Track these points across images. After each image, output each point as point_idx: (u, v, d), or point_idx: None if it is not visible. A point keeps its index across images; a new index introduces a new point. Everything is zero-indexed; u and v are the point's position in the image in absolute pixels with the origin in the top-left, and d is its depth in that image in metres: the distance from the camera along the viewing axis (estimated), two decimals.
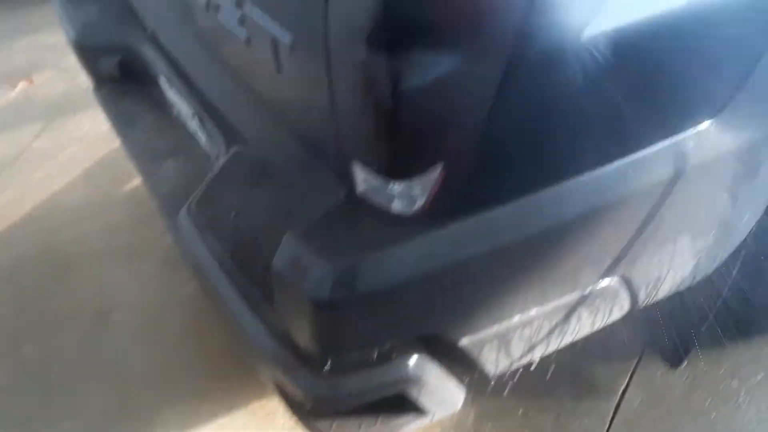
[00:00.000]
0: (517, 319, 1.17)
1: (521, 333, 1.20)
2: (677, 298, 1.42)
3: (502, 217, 1.02)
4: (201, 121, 1.47)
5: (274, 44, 1.00)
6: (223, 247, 1.21)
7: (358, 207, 1.02)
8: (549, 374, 1.54)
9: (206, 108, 1.42)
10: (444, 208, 0.98)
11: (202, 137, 1.52)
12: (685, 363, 1.70)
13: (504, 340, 1.19)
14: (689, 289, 1.41)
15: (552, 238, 1.08)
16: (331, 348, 1.06)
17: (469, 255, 1.03)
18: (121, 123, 1.73)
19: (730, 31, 1.03)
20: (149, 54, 1.63)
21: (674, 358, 1.70)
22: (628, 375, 1.70)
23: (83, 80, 2.00)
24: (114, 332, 1.93)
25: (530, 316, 1.18)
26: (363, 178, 0.97)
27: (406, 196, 0.96)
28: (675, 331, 1.62)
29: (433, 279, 1.03)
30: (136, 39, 1.68)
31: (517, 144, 0.96)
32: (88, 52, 1.81)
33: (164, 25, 1.60)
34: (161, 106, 1.73)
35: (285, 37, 0.96)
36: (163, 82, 1.65)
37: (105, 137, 2.55)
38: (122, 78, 1.79)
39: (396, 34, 0.80)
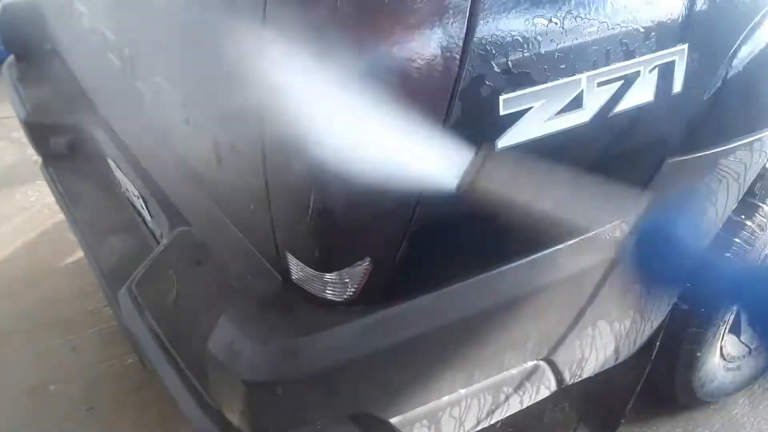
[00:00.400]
0: (446, 399, 1.22)
1: (450, 412, 1.25)
2: (606, 374, 1.49)
3: (428, 305, 1.08)
4: (146, 202, 1.51)
5: (215, 143, 1.06)
6: (161, 326, 1.24)
7: (292, 292, 1.06)
8: None
9: (152, 190, 1.46)
10: (374, 295, 1.04)
11: (147, 217, 1.55)
12: None
13: (434, 419, 1.24)
14: (615, 366, 1.48)
15: (475, 325, 1.15)
16: (263, 429, 1.09)
17: (398, 339, 1.09)
18: (68, 200, 1.75)
19: (633, 143, 1.14)
20: (99, 135, 1.67)
21: None
22: None
23: (32, 152, 2.02)
24: (52, 404, 1.90)
25: (459, 395, 1.23)
26: (297, 268, 1.02)
27: (337, 284, 1.01)
28: (605, 407, 1.68)
29: (364, 362, 1.08)
30: (86, 121, 1.72)
31: (440, 241, 1.03)
32: (38, 132, 1.84)
33: (114, 110, 1.65)
34: (108, 183, 1.76)
35: (224, 139, 1.03)
36: (111, 162, 1.69)
37: (50, 208, 2.56)
38: (71, 156, 1.82)
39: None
